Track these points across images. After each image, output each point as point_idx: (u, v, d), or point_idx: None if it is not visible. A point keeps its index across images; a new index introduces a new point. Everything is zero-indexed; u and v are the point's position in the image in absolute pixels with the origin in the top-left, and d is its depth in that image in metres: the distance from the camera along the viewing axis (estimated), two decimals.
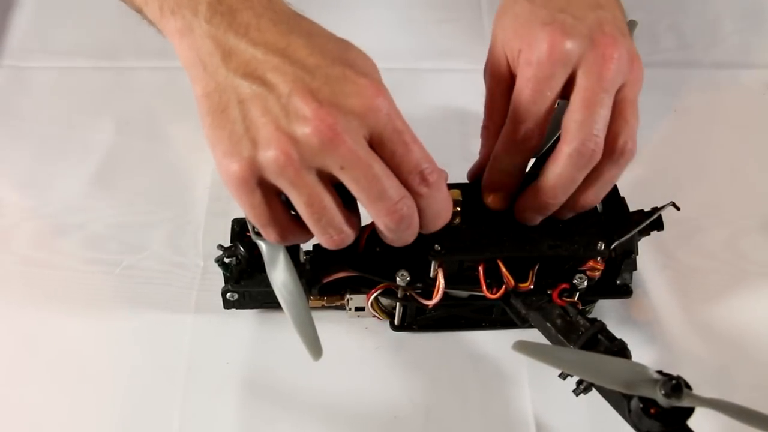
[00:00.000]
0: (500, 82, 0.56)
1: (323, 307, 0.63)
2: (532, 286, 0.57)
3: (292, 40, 0.47)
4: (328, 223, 0.48)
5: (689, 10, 0.87)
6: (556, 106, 0.56)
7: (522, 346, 0.48)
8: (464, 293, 0.60)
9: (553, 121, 0.56)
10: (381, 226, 0.49)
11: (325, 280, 0.59)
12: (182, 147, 0.74)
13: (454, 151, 0.75)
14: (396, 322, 0.63)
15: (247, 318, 0.63)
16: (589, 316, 0.60)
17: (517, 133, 0.53)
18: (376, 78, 0.47)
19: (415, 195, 0.48)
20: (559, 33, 0.51)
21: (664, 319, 0.64)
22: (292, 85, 0.45)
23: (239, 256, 0.57)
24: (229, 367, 0.61)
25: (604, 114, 0.51)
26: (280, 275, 0.52)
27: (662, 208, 0.59)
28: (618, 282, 0.60)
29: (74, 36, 0.83)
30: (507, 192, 0.56)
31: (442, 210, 0.50)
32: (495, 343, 0.63)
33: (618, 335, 0.54)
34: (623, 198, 0.61)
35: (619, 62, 0.51)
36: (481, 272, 0.57)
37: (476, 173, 0.58)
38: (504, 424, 0.59)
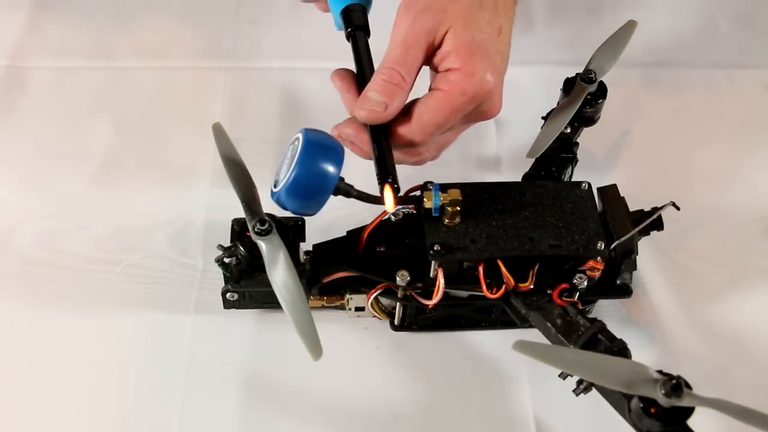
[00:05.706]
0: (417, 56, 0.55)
1: (323, 307, 0.63)
2: (532, 286, 0.57)
3: None
4: None
5: (687, 11, 0.87)
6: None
7: (522, 346, 0.48)
8: (464, 293, 0.60)
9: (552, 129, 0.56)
10: None
11: (325, 280, 0.59)
12: (182, 147, 0.74)
13: (454, 151, 0.75)
14: (396, 322, 0.63)
15: (247, 318, 0.63)
16: (589, 316, 0.60)
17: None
18: None
19: None
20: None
21: (664, 319, 0.64)
22: None
23: (239, 256, 0.57)
24: (229, 367, 0.61)
25: None
26: (280, 275, 0.52)
27: (662, 208, 0.59)
28: (618, 282, 0.61)
29: (72, 36, 0.83)
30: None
31: None
32: (495, 343, 0.63)
33: (618, 335, 0.54)
34: (623, 198, 0.61)
35: None
36: (481, 272, 0.57)
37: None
38: (504, 424, 0.59)
